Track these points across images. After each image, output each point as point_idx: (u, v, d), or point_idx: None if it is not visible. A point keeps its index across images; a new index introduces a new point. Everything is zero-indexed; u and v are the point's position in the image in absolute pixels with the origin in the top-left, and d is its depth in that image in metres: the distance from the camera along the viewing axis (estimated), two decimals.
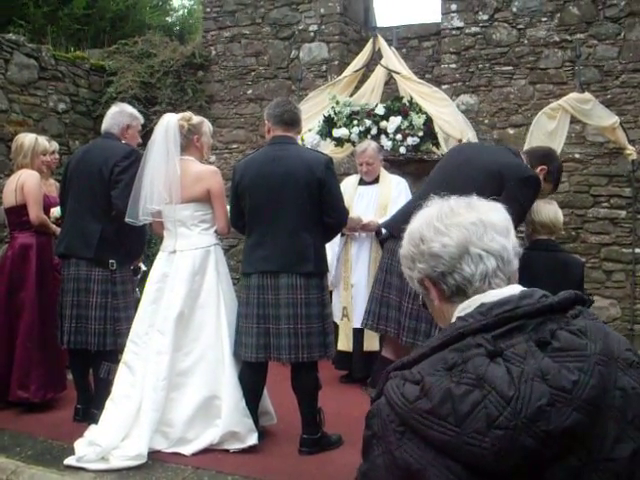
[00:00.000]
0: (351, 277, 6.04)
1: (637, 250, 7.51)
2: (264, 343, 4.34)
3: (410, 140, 6.51)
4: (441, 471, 1.28)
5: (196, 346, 4.45)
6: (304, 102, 7.25)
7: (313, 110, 7.11)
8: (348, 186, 6.09)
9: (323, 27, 9.01)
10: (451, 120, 6.42)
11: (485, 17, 8.12)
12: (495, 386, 1.27)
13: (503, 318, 1.36)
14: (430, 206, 1.58)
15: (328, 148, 6.88)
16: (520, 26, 7.98)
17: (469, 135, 6.37)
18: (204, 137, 4.65)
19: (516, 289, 1.47)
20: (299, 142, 5.35)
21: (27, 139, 5.51)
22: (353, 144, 6.71)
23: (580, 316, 1.39)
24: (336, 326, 5.66)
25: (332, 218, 4.39)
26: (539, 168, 4.04)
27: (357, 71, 7.37)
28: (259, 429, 4.47)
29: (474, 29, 8.19)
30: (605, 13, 7.61)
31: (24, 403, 5.16)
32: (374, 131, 6.66)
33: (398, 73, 6.94)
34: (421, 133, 6.50)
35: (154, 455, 4.25)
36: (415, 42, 9.20)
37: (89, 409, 4.85)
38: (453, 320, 1.48)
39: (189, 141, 4.58)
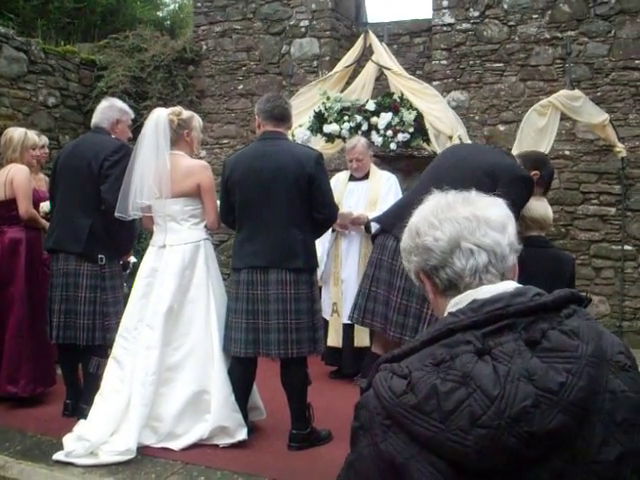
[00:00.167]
0: (341, 273, 6.04)
1: (626, 247, 7.55)
2: (253, 338, 4.34)
3: (401, 136, 6.51)
4: (424, 466, 1.28)
5: (185, 341, 4.45)
6: (295, 97, 7.24)
7: (304, 106, 7.11)
8: (338, 182, 6.10)
9: (314, 23, 9.00)
10: (442, 116, 6.43)
11: (476, 14, 8.14)
12: (481, 385, 1.26)
13: (494, 316, 1.36)
14: (430, 200, 1.58)
15: (319, 144, 6.88)
16: (511, 23, 8.00)
17: (460, 132, 6.38)
18: (194, 132, 4.65)
19: (510, 286, 1.45)
20: (290, 138, 5.35)
21: (16, 133, 5.48)
22: (344, 140, 6.71)
23: (574, 316, 1.37)
24: (326, 322, 5.67)
25: (321, 214, 4.39)
26: (532, 173, 4.05)
27: (348, 67, 7.37)
28: (248, 424, 4.48)
29: (465, 26, 8.20)
30: (596, 11, 7.64)
31: (13, 398, 5.14)
32: (365, 127, 6.66)
33: (389, 69, 6.94)
34: (412, 129, 6.50)
35: (143, 450, 4.25)
36: (406, 38, 9.21)
37: (78, 404, 4.84)
38: (445, 315, 1.48)
39: (179, 136, 4.57)
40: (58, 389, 5.26)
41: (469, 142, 6.55)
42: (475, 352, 1.31)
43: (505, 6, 8.01)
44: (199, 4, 9.72)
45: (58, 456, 4.13)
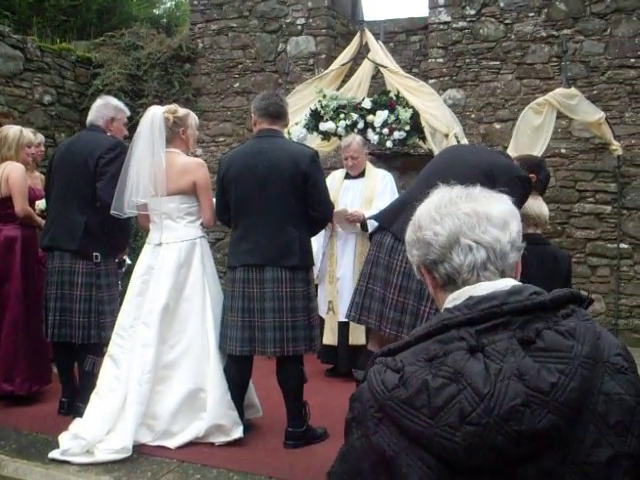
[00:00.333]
0: (337, 271, 6.04)
1: (622, 245, 7.56)
2: (249, 336, 4.34)
3: (397, 134, 6.52)
4: (414, 460, 1.29)
5: (181, 339, 4.45)
6: (291, 95, 7.23)
7: (300, 104, 7.11)
8: (334, 180, 6.10)
9: (310, 20, 9.00)
10: (438, 114, 6.43)
11: (472, 12, 8.14)
12: (471, 382, 1.27)
13: (489, 313, 1.35)
14: (435, 194, 1.57)
15: (315, 142, 6.88)
16: (507, 21, 8.00)
17: (456, 130, 6.39)
18: (190, 129, 4.64)
19: (508, 284, 1.45)
20: (286, 136, 5.35)
21: (12, 131, 5.47)
22: (340, 138, 6.71)
23: (572, 316, 1.36)
24: (321, 320, 5.67)
25: (317, 212, 4.39)
26: (529, 176, 4.07)
27: (344, 65, 7.37)
28: (244, 422, 4.48)
29: (461, 24, 8.20)
30: (592, 9, 7.64)
31: (9, 396, 5.14)
32: (361, 125, 6.66)
33: (385, 67, 6.94)
34: (408, 127, 6.50)
35: (139, 448, 4.24)
36: (402, 36, 9.21)
37: (74, 402, 4.83)
38: (442, 310, 1.48)
39: (174, 134, 4.57)
40: (54, 387, 5.25)
41: (465, 141, 6.56)
42: (468, 349, 1.31)
43: (501, 4, 8.01)
44: (195, 2, 9.71)
45: (54, 454, 4.12)
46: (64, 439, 4.23)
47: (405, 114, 6.47)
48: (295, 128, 6.87)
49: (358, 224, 5.89)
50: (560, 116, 6.98)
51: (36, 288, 5.18)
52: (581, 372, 1.27)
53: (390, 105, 6.58)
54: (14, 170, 5.29)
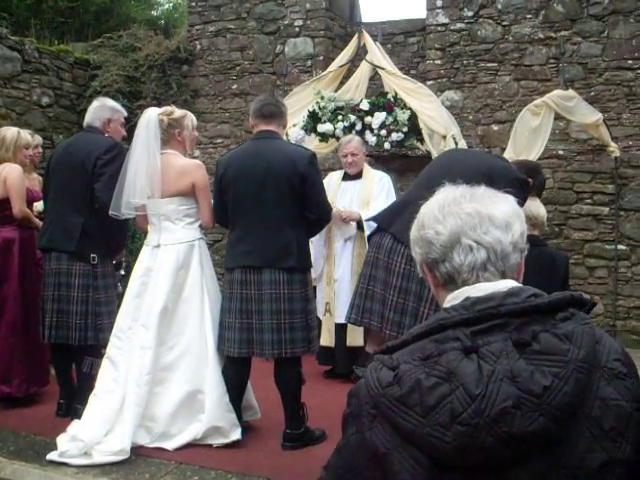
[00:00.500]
0: (334, 272, 6.04)
1: (620, 247, 7.56)
2: (247, 338, 4.34)
3: (394, 136, 6.52)
4: (405, 458, 1.30)
5: (180, 340, 4.45)
6: (289, 97, 7.24)
7: (298, 105, 7.11)
8: (332, 181, 6.10)
9: (308, 22, 9.00)
10: (435, 116, 6.44)
11: (470, 13, 8.14)
12: (463, 382, 1.27)
13: (485, 314, 1.35)
14: (440, 193, 1.57)
15: (313, 143, 6.89)
16: (505, 23, 8.01)
17: (453, 131, 6.39)
18: (186, 131, 4.63)
19: (507, 285, 1.44)
20: (284, 137, 5.35)
21: (9, 132, 5.47)
22: (337, 139, 6.71)
23: (571, 319, 1.35)
24: (319, 321, 5.67)
25: (314, 214, 4.39)
26: (527, 179, 4.08)
27: (342, 66, 7.37)
28: (243, 424, 4.47)
29: (459, 25, 8.20)
30: (589, 11, 7.65)
31: (6, 398, 5.13)
32: (359, 126, 6.66)
33: (383, 69, 6.95)
34: (405, 129, 6.51)
35: (137, 450, 4.24)
36: (400, 38, 9.21)
37: (72, 404, 4.83)
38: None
39: (170, 135, 4.56)
40: (52, 389, 5.25)
41: (463, 142, 6.57)
42: (462, 349, 1.31)
43: (499, 6, 8.02)
44: (193, 4, 9.70)
45: (52, 456, 4.12)
46: (62, 441, 4.23)
47: (403, 116, 6.47)
48: (293, 129, 6.87)
49: (354, 224, 5.88)
50: (558, 117, 6.98)
51: (34, 290, 5.18)
52: (576, 376, 1.27)
53: (388, 107, 6.59)
54: (12, 171, 5.29)
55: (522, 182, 3.90)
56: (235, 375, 4.46)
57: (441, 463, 1.28)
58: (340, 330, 5.93)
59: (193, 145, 4.88)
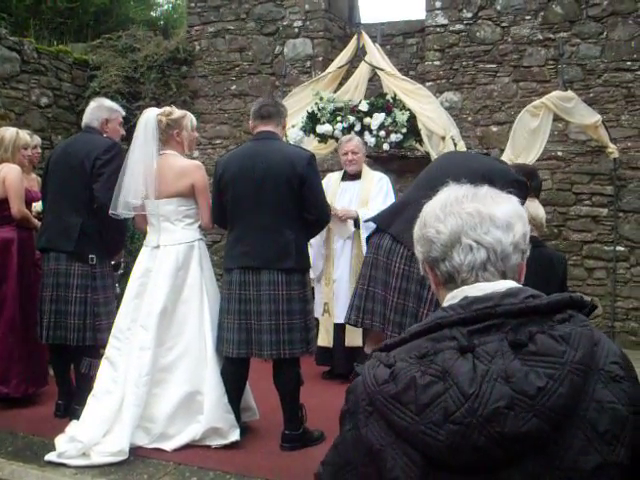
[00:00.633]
0: (333, 273, 6.04)
1: (618, 248, 7.57)
2: (245, 339, 4.34)
3: (393, 137, 6.52)
4: (399, 455, 1.31)
5: (179, 341, 4.44)
6: (288, 98, 7.24)
7: (297, 106, 7.11)
8: (331, 182, 6.11)
9: (307, 23, 9.00)
10: (434, 117, 6.44)
11: (469, 15, 8.15)
12: (457, 381, 1.28)
13: (482, 314, 1.36)
14: (443, 192, 1.57)
15: (312, 144, 6.89)
16: (504, 24, 8.01)
17: (452, 132, 6.40)
18: (185, 131, 4.62)
19: (505, 285, 1.44)
20: (284, 138, 5.35)
21: (8, 133, 5.46)
22: (337, 140, 6.71)
23: (569, 321, 1.35)
24: (317, 322, 5.66)
25: (312, 215, 4.39)
26: (526, 181, 4.08)
27: (341, 67, 7.37)
28: (241, 425, 4.47)
29: (458, 26, 8.21)
30: (588, 12, 7.65)
31: (5, 398, 5.13)
32: (358, 127, 6.67)
33: (382, 70, 6.95)
34: (404, 130, 6.51)
35: (136, 451, 4.24)
36: (399, 39, 9.21)
37: (70, 405, 4.83)
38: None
39: (169, 136, 4.56)
40: (50, 389, 5.25)
41: (462, 143, 6.57)
42: (458, 349, 1.32)
43: (498, 7, 8.02)
44: (192, 4, 9.70)
45: (50, 457, 4.11)
46: (60, 442, 4.22)
47: (402, 117, 6.47)
48: (292, 130, 6.87)
49: (351, 223, 5.88)
50: (557, 119, 6.99)
51: (32, 290, 5.17)
52: (571, 378, 1.27)
53: (387, 108, 6.59)
54: (11, 172, 5.28)
55: (521, 184, 3.90)
56: (234, 376, 4.45)
57: (434, 461, 1.28)
58: (339, 330, 5.94)
59: (193, 146, 4.88)
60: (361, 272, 4.48)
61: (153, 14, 14.66)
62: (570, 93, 6.84)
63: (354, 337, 5.81)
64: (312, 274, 5.14)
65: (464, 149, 6.53)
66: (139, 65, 9.52)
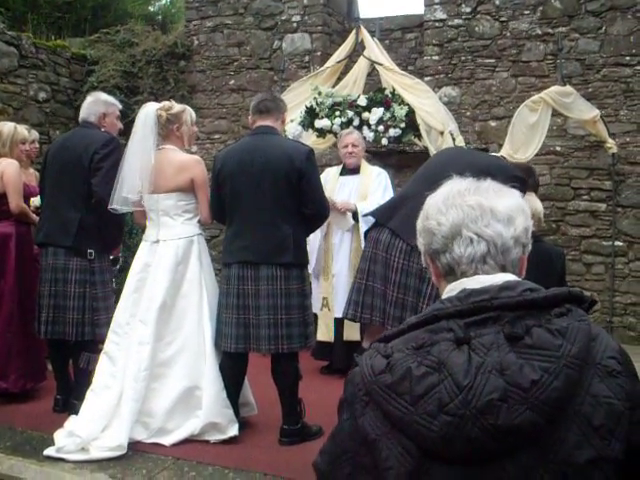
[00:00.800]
0: (332, 267, 6.04)
1: (617, 243, 7.58)
2: (244, 333, 4.33)
3: (392, 131, 6.51)
4: (394, 445, 1.32)
5: (178, 336, 4.44)
6: (286, 93, 7.23)
7: (295, 101, 7.10)
8: (329, 177, 6.11)
9: (306, 18, 8.99)
10: (433, 112, 6.43)
11: (468, 9, 8.15)
12: (452, 373, 1.29)
13: (478, 307, 1.36)
14: (446, 185, 1.58)
15: (310, 139, 6.88)
16: (503, 19, 8.01)
17: (451, 127, 6.39)
18: (184, 126, 4.61)
19: (504, 278, 1.45)
20: (283, 133, 5.35)
21: (6, 128, 5.46)
22: (335, 135, 6.71)
23: (567, 315, 1.36)
24: (315, 317, 5.66)
25: (310, 209, 4.38)
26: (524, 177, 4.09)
27: (340, 62, 7.36)
28: (240, 420, 4.47)
29: (457, 21, 8.21)
30: (587, 7, 7.65)
31: (3, 393, 5.12)
32: (356, 122, 6.66)
33: (381, 64, 6.94)
34: (403, 125, 6.50)
35: (134, 446, 4.24)
36: (398, 34, 9.21)
37: (69, 400, 4.83)
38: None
39: (169, 130, 4.56)
40: (49, 384, 5.24)
41: (461, 138, 6.57)
42: (455, 340, 1.33)
43: (497, 2, 8.02)
44: None
45: (49, 452, 4.11)
46: (59, 436, 4.22)
47: (400, 111, 6.46)
48: (290, 125, 6.86)
49: (350, 217, 5.88)
50: (555, 114, 6.99)
51: (31, 285, 5.16)
52: (566, 372, 1.28)
53: (385, 102, 6.58)
54: (9, 167, 5.27)
55: (520, 179, 3.91)
56: (232, 370, 4.45)
57: (429, 452, 1.29)
58: (338, 325, 5.94)
59: (192, 140, 4.87)
60: (359, 266, 4.48)
61: (151, 9, 14.64)
62: (569, 88, 6.84)
63: (353, 331, 5.82)
64: (309, 269, 5.14)
65: (463, 144, 6.53)
66: (137, 60, 9.52)
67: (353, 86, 7.33)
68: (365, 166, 6.14)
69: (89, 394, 4.40)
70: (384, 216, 4.22)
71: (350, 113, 6.67)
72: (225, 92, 9.47)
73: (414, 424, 1.29)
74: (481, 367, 1.28)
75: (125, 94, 9.11)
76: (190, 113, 4.70)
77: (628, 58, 7.49)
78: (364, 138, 6.40)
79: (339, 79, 7.53)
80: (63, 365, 5.06)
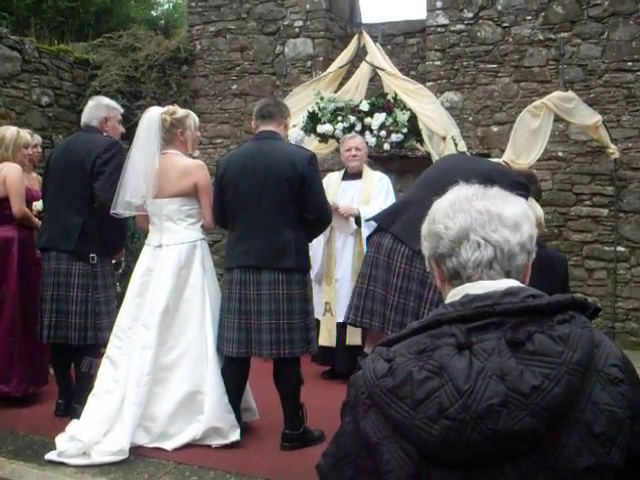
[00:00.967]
0: (335, 272, 6.04)
1: (619, 248, 7.57)
2: (245, 338, 4.33)
3: (394, 137, 6.52)
4: (395, 449, 1.32)
5: (180, 341, 4.44)
6: (289, 98, 7.24)
7: (297, 106, 7.10)
8: (331, 181, 6.11)
9: (308, 23, 9.00)
10: (435, 117, 6.44)
11: (470, 15, 8.15)
12: (453, 377, 1.29)
13: (481, 312, 1.37)
14: (453, 191, 1.58)
15: (312, 144, 6.88)
16: (505, 24, 8.02)
17: (453, 132, 6.40)
18: (188, 131, 4.62)
19: (507, 284, 1.45)
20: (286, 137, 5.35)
21: (9, 132, 5.47)
22: (337, 140, 6.71)
23: (570, 322, 1.35)
24: (317, 322, 5.66)
25: (311, 214, 4.37)
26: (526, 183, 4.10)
27: (342, 67, 7.37)
28: (241, 425, 4.47)
29: (459, 26, 8.21)
30: (589, 12, 7.66)
31: (5, 397, 5.12)
32: (358, 127, 6.66)
33: (383, 70, 6.95)
34: (405, 130, 6.51)
35: (136, 450, 4.23)
36: (400, 39, 9.22)
37: (71, 404, 4.82)
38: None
39: (173, 135, 4.56)
40: (50, 389, 5.25)
41: (463, 143, 6.58)
42: (456, 345, 1.33)
43: (499, 7, 8.03)
44: (193, 4, 9.71)
45: (50, 456, 4.11)
46: (61, 441, 4.22)
47: (402, 116, 6.47)
48: (293, 130, 6.86)
49: (353, 221, 5.89)
50: (557, 119, 6.99)
51: (33, 289, 5.17)
52: (567, 378, 1.27)
53: (388, 107, 6.59)
54: (11, 171, 5.28)
55: (522, 186, 3.91)
56: (234, 375, 4.45)
57: (429, 456, 1.29)
58: (341, 329, 5.93)
59: (195, 145, 4.88)
60: (361, 271, 4.48)
61: (154, 13, 14.68)
62: (571, 93, 6.85)
63: (355, 336, 5.82)
64: (311, 274, 5.13)
65: (465, 149, 6.54)
66: (140, 64, 9.53)
67: (355, 91, 7.34)
68: (367, 171, 6.15)
69: (91, 398, 4.40)
70: (386, 221, 4.23)
71: (352, 118, 6.68)
72: (227, 97, 9.48)
73: (415, 428, 1.29)
74: (482, 372, 1.28)
75: (128, 99, 9.12)
76: (194, 118, 4.70)
77: (630, 64, 7.49)
78: (366, 143, 6.40)
79: (341, 84, 7.54)
80: (65, 369, 5.06)
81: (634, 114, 7.49)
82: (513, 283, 1.46)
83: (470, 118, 8.18)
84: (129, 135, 5.00)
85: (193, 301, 4.49)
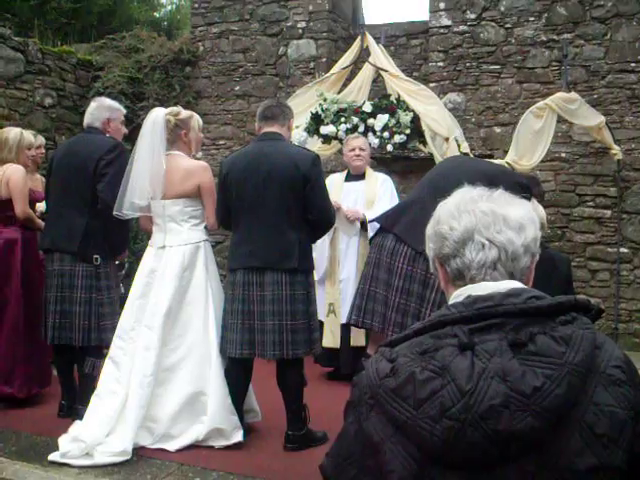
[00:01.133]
0: (339, 273, 6.04)
1: (622, 249, 7.56)
2: (249, 339, 4.33)
3: (397, 138, 6.51)
4: (398, 448, 1.33)
5: (183, 342, 4.44)
6: (291, 99, 7.24)
7: (300, 107, 7.10)
8: (334, 183, 6.10)
9: (311, 24, 9.01)
10: (438, 118, 6.44)
11: (473, 16, 8.15)
12: (455, 378, 1.29)
13: (483, 313, 1.37)
14: (459, 192, 1.59)
15: (315, 145, 6.88)
16: (508, 25, 8.01)
17: (456, 133, 6.40)
18: (192, 132, 4.62)
19: (510, 285, 1.45)
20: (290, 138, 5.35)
21: (12, 133, 5.47)
22: (340, 141, 6.71)
23: (572, 323, 1.36)
24: (320, 323, 5.66)
25: (314, 216, 4.37)
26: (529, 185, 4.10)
27: (345, 68, 7.37)
28: (244, 426, 4.47)
29: (462, 28, 8.21)
30: (592, 14, 7.65)
31: (8, 398, 5.13)
32: (361, 128, 6.66)
33: (386, 71, 6.95)
34: (408, 131, 6.50)
35: (139, 451, 4.24)
36: (403, 40, 9.22)
37: (74, 405, 4.83)
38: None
39: (177, 136, 4.56)
40: (53, 390, 5.25)
41: (466, 144, 6.58)
42: (459, 346, 1.33)
43: (502, 8, 8.02)
44: (196, 5, 9.72)
45: (53, 457, 4.11)
46: (64, 441, 4.22)
47: (406, 118, 6.47)
48: (296, 131, 6.86)
49: (358, 224, 5.89)
50: (560, 120, 6.98)
51: (36, 290, 5.17)
52: (569, 379, 1.28)
53: (391, 109, 6.58)
54: (15, 172, 5.29)
55: (525, 187, 3.92)
56: (237, 376, 4.45)
57: (432, 456, 1.30)
58: (345, 330, 5.93)
59: (199, 146, 4.88)
60: (363, 272, 4.49)
61: (157, 15, 14.71)
62: (574, 94, 6.84)
63: (359, 337, 5.82)
64: (315, 276, 5.14)
65: (468, 150, 6.53)
66: (143, 66, 9.54)
67: (358, 92, 7.33)
68: (370, 172, 6.15)
69: (94, 399, 4.40)
70: (389, 222, 4.23)
71: (355, 119, 6.68)
72: (230, 98, 9.48)
73: (417, 428, 1.30)
74: (484, 373, 1.29)
75: (131, 100, 9.14)
76: (197, 119, 4.71)
77: (633, 64, 7.48)
78: (369, 144, 6.40)
79: (344, 85, 7.53)
80: (68, 370, 5.06)
81: (637, 115, 7.49)
82: (516, 284, 1.47)
83: (473, 119, 8.18)
84: (132, 136, 5.01)
85: (196, 302, 4.49)
